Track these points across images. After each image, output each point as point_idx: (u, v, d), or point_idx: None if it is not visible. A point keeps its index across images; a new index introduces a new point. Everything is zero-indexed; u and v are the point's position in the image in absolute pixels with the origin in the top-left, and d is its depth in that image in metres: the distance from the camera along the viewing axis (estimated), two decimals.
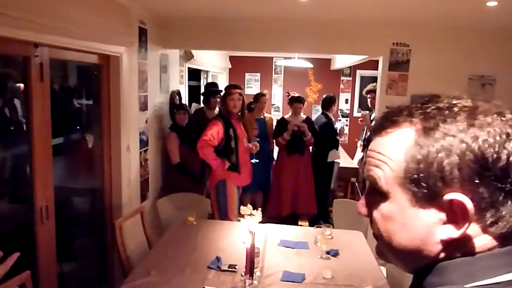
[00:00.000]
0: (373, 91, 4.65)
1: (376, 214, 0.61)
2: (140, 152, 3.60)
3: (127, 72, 3.20)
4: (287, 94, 4.72)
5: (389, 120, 0.60)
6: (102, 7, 2.72)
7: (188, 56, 4.88)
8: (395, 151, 0.57)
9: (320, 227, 2.68)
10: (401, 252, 0.58)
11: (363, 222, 3.20)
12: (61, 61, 2.86)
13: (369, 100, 4.85)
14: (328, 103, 4.90)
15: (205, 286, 1.97)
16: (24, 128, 2.81)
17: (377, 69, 4.05)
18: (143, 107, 3.61)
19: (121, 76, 3.12)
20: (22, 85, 3.24)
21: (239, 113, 3.60)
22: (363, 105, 6.99)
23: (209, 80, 6.41)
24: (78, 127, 3.74)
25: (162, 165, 4.18)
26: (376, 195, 0.60)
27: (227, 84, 7.07)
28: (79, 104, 3.69)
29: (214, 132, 3.40)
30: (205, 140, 3.35)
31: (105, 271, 3.32)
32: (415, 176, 0.54)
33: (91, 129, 3.41)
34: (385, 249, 0.62)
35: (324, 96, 5.02)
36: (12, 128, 3.21)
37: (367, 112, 5.30)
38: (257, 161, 3.84)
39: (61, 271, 2.73)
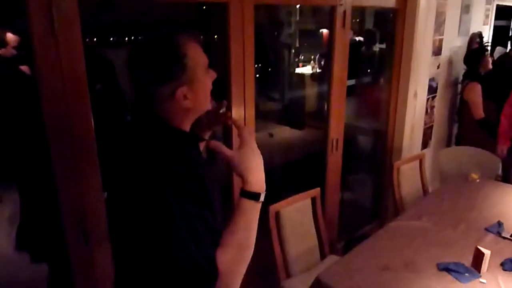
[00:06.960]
0: None
1: None
2: (428, 99, 3.51)
3: (423, 14, 3.09)
4: None
5: None
6: None
7: None
8: None
9: None
10: None
11: None
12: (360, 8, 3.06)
13: None
14: None
15: (479, 247, 1.86)
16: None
17: None
18: (437, 51, 3.44)
19: (417, 18, 3.05)
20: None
21: None
22: None
23: None
24: (369, 71, 4.00)
25: (449, 115, 3.95)
26: None
27: None
28: (373, 49, 3.91)
29: None
30: None
31: (379, 206, 3.59)
32: None
33: (381, 73, 3.57)
34: None
35: None
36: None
37: None
38: None
39: (342, 197, 3.16)
